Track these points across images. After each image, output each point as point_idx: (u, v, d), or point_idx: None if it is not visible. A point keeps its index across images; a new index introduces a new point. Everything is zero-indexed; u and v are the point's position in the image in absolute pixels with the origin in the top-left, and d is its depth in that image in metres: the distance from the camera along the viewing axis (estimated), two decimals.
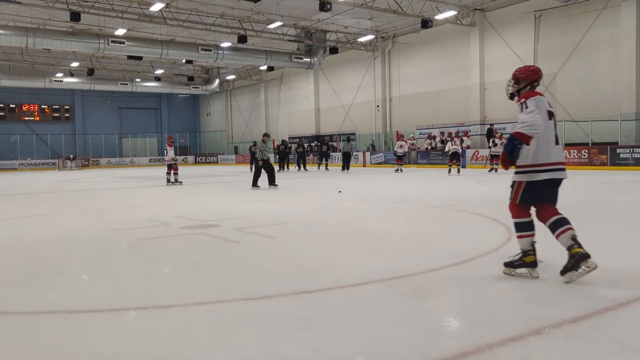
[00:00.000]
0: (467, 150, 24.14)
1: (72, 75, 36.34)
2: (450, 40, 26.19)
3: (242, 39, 25.56)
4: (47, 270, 4.94)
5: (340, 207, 9.67)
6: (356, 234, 6.51)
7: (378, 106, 30.82)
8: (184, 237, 6.50)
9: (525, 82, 4.20)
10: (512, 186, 4.15)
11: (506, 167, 4.17)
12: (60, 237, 6.85)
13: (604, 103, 20.54)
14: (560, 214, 4.09)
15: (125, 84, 38.63)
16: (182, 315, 3.46)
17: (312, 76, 35.32)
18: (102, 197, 13.24)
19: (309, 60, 30.76)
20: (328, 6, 20.37)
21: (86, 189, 16.53)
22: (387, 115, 30.64)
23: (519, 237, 4.13)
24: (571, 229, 3.99)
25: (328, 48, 29.89)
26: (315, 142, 34.50)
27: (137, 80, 39.48)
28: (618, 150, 19.30)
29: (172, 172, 16.79)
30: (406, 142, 23.67)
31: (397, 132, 28.55)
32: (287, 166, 26.61)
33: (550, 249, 4.34)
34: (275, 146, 30.08)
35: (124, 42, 25.55)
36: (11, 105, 41.06)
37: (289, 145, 29.90)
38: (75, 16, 20.80)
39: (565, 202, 9.36)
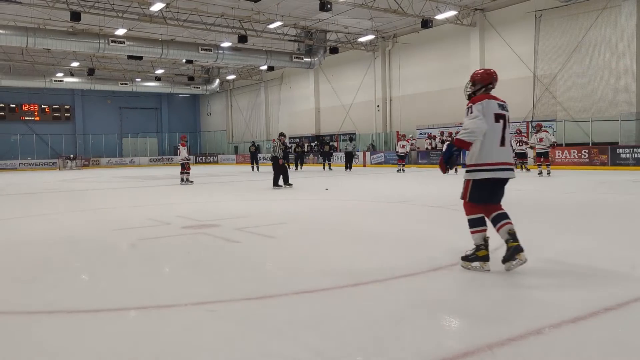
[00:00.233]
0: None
1: (72, 75, 36.33)
2: (451, 40, 26.19)
3: (242, 38, 25.56)
4: (47, 270, 4.95)
5: (340, 207, 9.66)
6: (356, 234, 6.51)
7: (378, 106, 30.82)
8: (184, 237, 6.50)
9: (480, 85, 4.41)
10: (463, 185, 4.36)
11: (444, 171, 4.42)
12: (60, 237, 6.85)
13: (604, 103, 20.53)
14: (502, 210, 4.31)
15: (126, 84, 38.62)
16: (182, 315, 3.46)
17: (312, 76, 35.32)
18: (102, 197, 13.24)
19: (309, 60, 30.76)
20: (328, 6, 20.37)
21: (86, 188, 16.53)
22: (387, 115, 30.64)
23: (472, 232, 4.33)
24: (509, 223, 4.23)
25: (328, 48, 29.89)
26: (315, 142, 34.50)
27: (137, 80, 39.47)
28: (618, 150, 19.29)
29: (185, 171, 16.87)
30: (408, 142, 23.66)
31: (397, 132, 28.54)
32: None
33: (550, 249, 4.34)
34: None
35: (124, 42, 25.55)
36: (11, 105, 41.05)
37: (289, 145, 29.89)
38: (75, 16, 20.79)
39: (566, 202, 9.39)
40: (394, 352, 2.71)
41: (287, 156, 26.73)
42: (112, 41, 25.11)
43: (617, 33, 20.00)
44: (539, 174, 16.42)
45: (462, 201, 4.41)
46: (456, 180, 16.13)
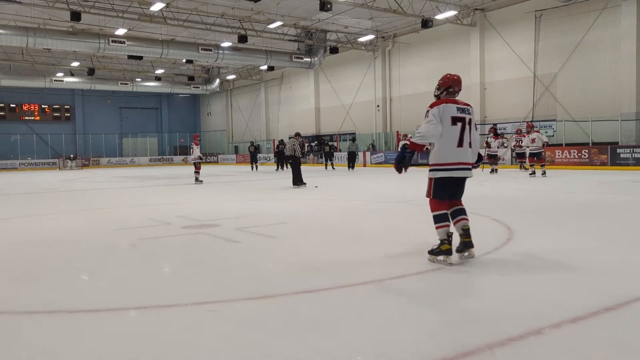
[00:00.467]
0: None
1: (72, 75, 36.33)
2: (451, 40, 26.18)
3: (243, 38, 25.56)
4: (47, 270, 4.95)
5: (340, 207, 9.66)
6: (356, 233, 6.50)
7: (378, 106, 30.82)
8: (184, 237, 6.50)
9: (443, 88, 4.68)
10: (427, 183, 4.66)
11: (399, 172, 4.75)
12: (60, 236, 6.85)
13: (604, 103, 20.53)
14: (461, 206, 4.65)
15: (126, 84, 38.63)
16: (182, 315, 3.46)
17: (312, 76, 35.32)
18: (103, 197, 13.24)
19: (309, 60, 30.76)
20: (328, 6, 20.37)
21: (86, 188, 16.53)
22: (387, 115, 30.64)
23: (436, 227, 4.59)
24: (465, 219, 4.58)
25: (328, 48, 29.89)
26: (315, 142, 34.51)
27: (137, 80, 39.47)
28: (618, 150, 19.29)
29: (197, 170, 16.93)
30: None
31: (398, 132, 28.55)
32: (285, 166, 26.79)
33: (549, 249, 4.34)
34: (275, 146, 30.17)
35: (124, 42, 25.55)
36: (11, 105, 41.07)
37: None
38: (75, 16, 20.80)
39: (566, 202, 9.38)
40: (394, 352, 2.71)
41: (285, 156, 26.87)
42: (112, 41, 25.12)
43: (617, 33, 19.99)
44: (530, 174, 16.14)
45: (428, 199, 4.69)
46: None
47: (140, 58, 29.00)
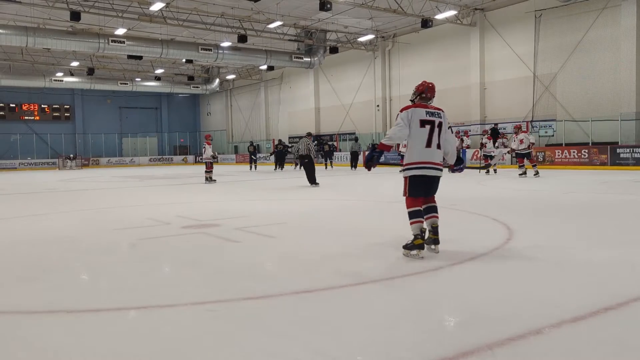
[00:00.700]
0: (467, 150, 24.14)
1: (72, 74, 36.30)
2: (451, 40, 26.18)
3: (242, 38, 25.55)
4: (47, 269, 4.95)
5: (340, 207, 9.66)
6: (356, 233, 6.50)
7: (378, 106, 30.82)
8: (184, 237, 6.50)
9: (417, 94, 5.08)
10: (403, 182, 4.97)
11: (368, 169, 5.08)
12: (60, 236, 6.85)
13: (604, 103, 20.53)
14: (433, 203, 4.99)
15: (126, 84, 38.60)
16: (183, 314, 3.46)
17: (312, 76, 35.30)
18: (102, 197, 13.24)
19: (309, 60, 30.74)
20: (328, 6, 20.36)
21: (86, 188, 16.53)
22: (387, 115, 30.64)
23: (411, 223, 4.84)
24: (435, 217, 4.93)
25: (328, 48, 29.87)
26: (315, 142, 34.48)
27: (137, 79, 39.45)
28: (618, 150, 19.30)
29: (208, 170, 16.87)
30: None
31: None
32: (283, 165, 27.01)
33: (549, 249, 4.34)
34: (274, 146, 30.21)
35: (124, 42, 25.54)
36: (11, 105, 41.04)
37: (288, 145, 29.93)
38: (75, 16, 20.79)
39: (566, 202, 9.38)
40: (394, 351, 2.71)
41: (284, 156, 26.90)
42: (112, 41, 25.10)
43: (617, 33, 19.99)
44: (520, 175, 16.00)
45: (404, 197, 4.98)
46: (458, 180, 16.14)
47: (140, 58, 28.97)
